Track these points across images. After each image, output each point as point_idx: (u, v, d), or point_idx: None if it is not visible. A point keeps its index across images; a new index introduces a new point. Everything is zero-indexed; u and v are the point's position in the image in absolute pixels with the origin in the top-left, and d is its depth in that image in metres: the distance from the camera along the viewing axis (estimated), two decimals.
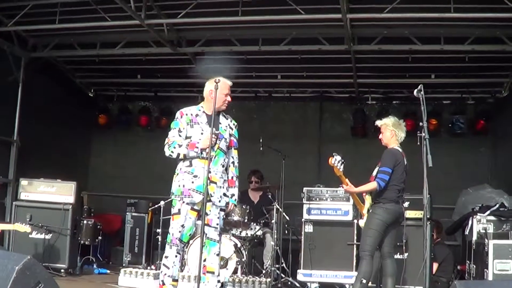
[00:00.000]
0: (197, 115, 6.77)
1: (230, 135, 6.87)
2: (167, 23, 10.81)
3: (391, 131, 7.73)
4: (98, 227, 11.34)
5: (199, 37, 11.45)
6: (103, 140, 15.17)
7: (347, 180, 7.68)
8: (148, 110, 14.86)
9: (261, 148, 10.19)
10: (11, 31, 11.14)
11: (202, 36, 11.38)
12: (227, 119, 6.93)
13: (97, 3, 10.10)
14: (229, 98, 6.81)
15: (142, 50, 11.94)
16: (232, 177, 6.88)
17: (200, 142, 6.55)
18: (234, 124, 6.99)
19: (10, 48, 11.33)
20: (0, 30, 10.91)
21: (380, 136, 7.88)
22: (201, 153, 6.55)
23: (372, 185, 7.56)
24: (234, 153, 6.94)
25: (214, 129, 6.42)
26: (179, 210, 6.65)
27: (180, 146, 6.62)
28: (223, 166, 6.75)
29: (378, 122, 7.96)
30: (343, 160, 7.55)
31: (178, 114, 6.82)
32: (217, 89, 6.47)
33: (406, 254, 8.60)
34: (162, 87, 14.53)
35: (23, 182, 10.43)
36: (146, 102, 15.04)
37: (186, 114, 6.78)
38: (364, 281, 7.41)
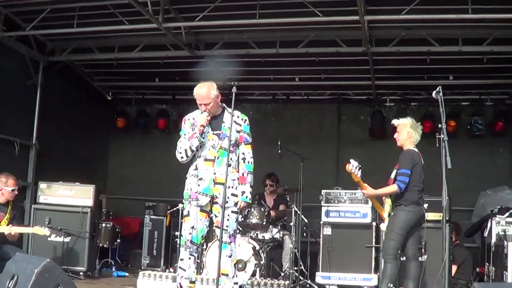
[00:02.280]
0: None
1: (239, 131, 6.76)
2: (184, 26, 10.86)
3: (408, 132, 7.61)
4: (117, 230, 11.37)
5: (216, 40, 11.46)
6: (122, 143, 15.21)
7: (365, 184, 7.59)
8: (166, 113, 14.89)
9: (279, 151, 10.14)
10: (29, 35, 11.23)
11: (220, 39, 11.40)
12: (233, 116, 6.63)
13: (114, 7, 10.14)
14: (204, 108, 6.70)
15: (160, 53, 11.98)
16: (243, 174, 6.78)
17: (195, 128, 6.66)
18: (242, 119, 6.84)
19: (29, 52, 11.41)
20: (18, 35, 10.99)
21: (396, 136, 7.75)
22: (202, 136, 6.58)
23: (392, 188, 7.43)
24: (246, 148, 6.81)
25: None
26: (188, 212, 6.68)
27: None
28: (229, 165, 6.54)
29: (395, 121, 7.82)
30: (360, 166, 7.41)
31: (182, 122, 6.89)
32: (235, 92, 6.51)
33: (425, 257, 8.56)
34: (180, 90, 14.50)
35: (42, 185, 10.50)
36: (164, 105, 15.08)
37: (188, 119, 6.85)
38: (391, 285, 7.29)
